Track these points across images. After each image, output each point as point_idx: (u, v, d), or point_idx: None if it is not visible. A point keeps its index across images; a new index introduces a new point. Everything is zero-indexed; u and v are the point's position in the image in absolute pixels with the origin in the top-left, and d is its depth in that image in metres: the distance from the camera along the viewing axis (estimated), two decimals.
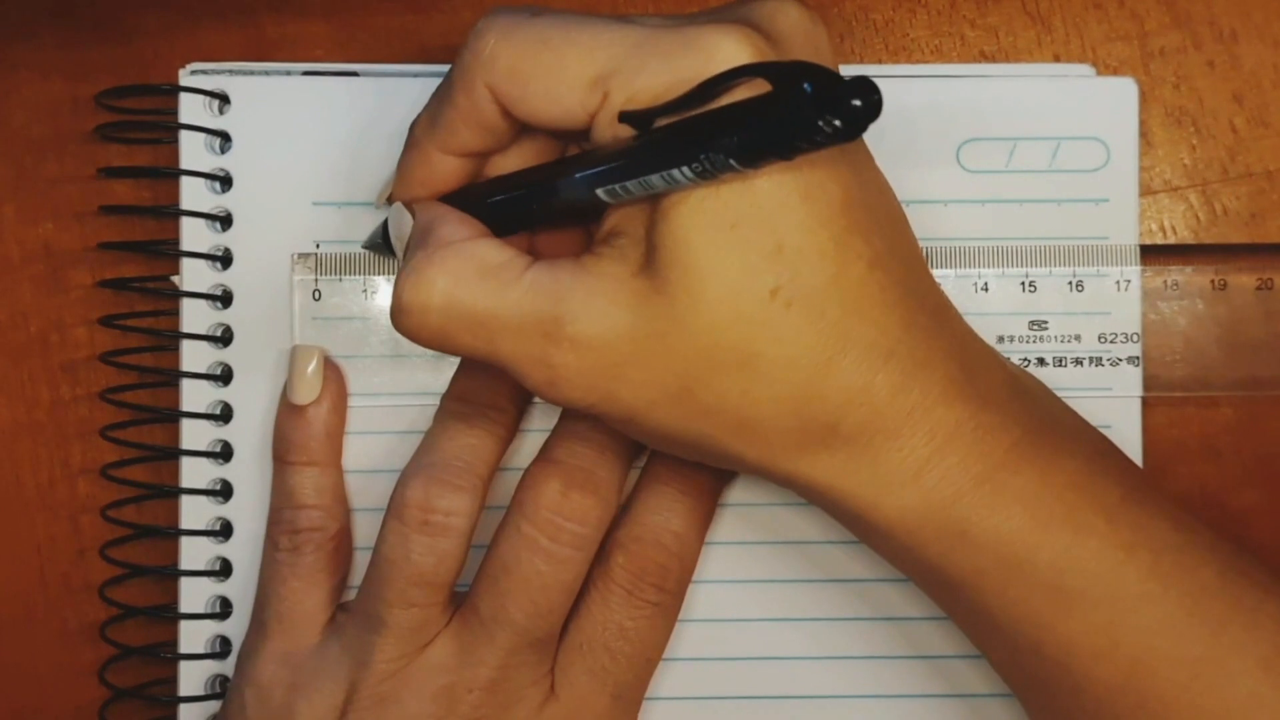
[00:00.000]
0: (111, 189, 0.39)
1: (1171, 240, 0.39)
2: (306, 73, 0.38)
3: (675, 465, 0.36)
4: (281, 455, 0.37)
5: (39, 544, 0.39)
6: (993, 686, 0.37)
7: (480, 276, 0.30)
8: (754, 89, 0.27)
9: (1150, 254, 0.37)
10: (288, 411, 0.37)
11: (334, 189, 0.37)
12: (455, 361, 0.36)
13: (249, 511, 0.37)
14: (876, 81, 0.25)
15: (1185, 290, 0.37)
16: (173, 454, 0.38)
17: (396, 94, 0.37)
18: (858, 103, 0.24)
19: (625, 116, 0.29)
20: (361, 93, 0.37)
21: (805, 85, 0.25)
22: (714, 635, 0.37)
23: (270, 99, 0.37)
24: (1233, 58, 0.39)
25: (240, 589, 0.37)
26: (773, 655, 0.37)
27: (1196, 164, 0.39)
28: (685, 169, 0.27)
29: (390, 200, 0.34)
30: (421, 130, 0.33)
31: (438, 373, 0.37)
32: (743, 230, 0.28)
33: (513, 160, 0.33)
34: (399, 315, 0.30)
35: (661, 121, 0.28)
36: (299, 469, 0.36)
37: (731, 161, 0.26)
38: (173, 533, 0.38)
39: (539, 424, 0.37)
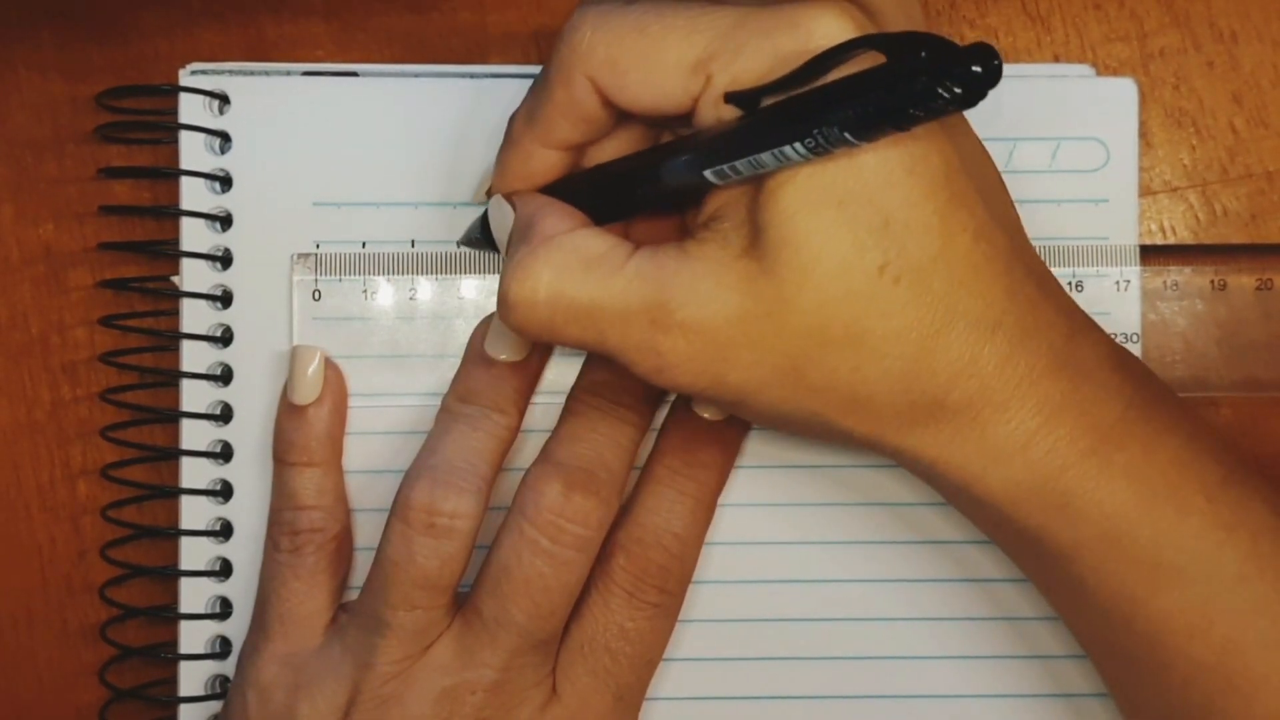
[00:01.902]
0: (111, 189, 0.39)
1: (1171, 241, 0.39)
2: (306, 73, 0.38)
3: (675, 467, 0.36)
4: (282, 456, 0.36)
5: (39, 545, 0.39)
6: (1039, 610, 0.37)
7: (584, 268, 0.30)
8: (864, 62, 0.27)
9: (1150, 254, 0.37)
10: (288, 412, 0.36)
11: (334, 189, 0.37)
12: (455, 362, 0.36)
13: (249, 512, 0.37)
14: None
15: (1185, 291, 0.37)
16: (173, 454, 0.38)
17: (396, 94, 0.37)
18: (978, 69, 0.24)
19: (731, 97, 0.29)
20: (361, 93, 0.37)
21: (922, 53, 0.24)
22: (714, 635, 0.37)
23: (270, 99, 0.37)
24: (1232, 58, 0.39)
25: (240, 589, 0.37)
26: (773, 655, 0.37)
27: (1196, 164, 0.39)
28: (798, 145, 0.27)
29: (489, 194, 0.34)
30: (520, 125, 0.33)
31: (438, 373, 0.37)
32: (851, 207, 0.28)
33: (608, 151, 0.33)
34: (506, 310, 0.31)
35: (769, 100, 0.28)
36: (299, 470, 0.36)
37: (846, 135, 0.26)
38: (173, 533, 0.37)
39: (540, 425, 0.37)
